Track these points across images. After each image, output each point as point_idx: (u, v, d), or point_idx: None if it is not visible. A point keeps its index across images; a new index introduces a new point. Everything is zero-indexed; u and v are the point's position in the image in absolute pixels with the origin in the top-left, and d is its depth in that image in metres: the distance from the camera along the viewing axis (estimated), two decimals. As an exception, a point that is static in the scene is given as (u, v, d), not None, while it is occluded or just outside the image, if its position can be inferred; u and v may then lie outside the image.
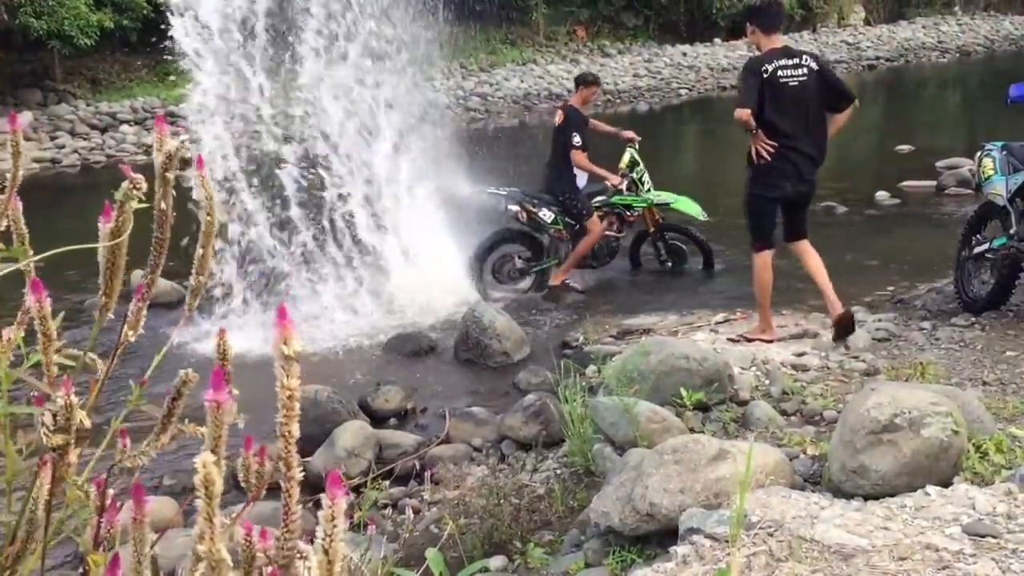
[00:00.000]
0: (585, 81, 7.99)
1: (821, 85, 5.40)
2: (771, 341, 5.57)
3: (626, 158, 7.90)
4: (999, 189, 5.77)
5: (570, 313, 7.33)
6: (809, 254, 5.64)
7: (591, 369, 5.29)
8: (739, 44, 26.28)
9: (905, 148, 13.66)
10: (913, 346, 5.35)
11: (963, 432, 3.25)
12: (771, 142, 5.36)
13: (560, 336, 6.72)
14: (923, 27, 32.92)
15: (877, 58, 28.23)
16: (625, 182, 7.83)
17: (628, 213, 7.98)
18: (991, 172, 5.87)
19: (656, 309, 6.95)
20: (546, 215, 7.82)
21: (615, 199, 7.92)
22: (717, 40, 28.22)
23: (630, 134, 8.04)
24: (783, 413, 4.23)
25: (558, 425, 4.51)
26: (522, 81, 23.66)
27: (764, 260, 5.59)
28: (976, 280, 6.22)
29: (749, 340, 5.61)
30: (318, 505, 0.70)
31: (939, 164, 11.62)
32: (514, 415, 4.90)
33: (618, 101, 23.00)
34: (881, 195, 10.58)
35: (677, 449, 3.28)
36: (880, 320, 5.82)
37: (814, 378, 4.76)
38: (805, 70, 5.37)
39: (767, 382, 4.68)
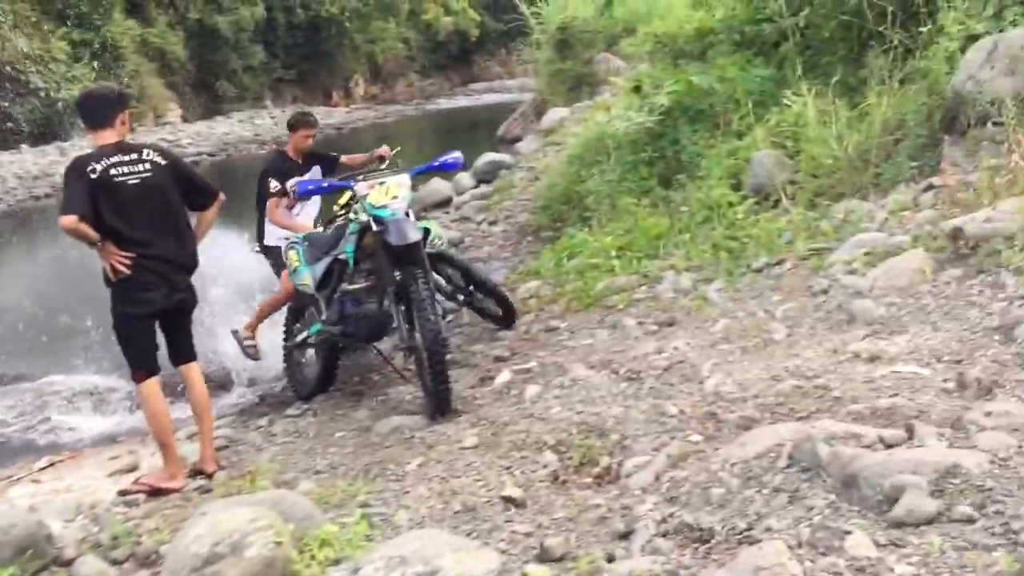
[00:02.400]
0: (291, 125, 7.25)
1: (173, 181, 4.85)
2: (181, 488, 4.76)
3: (344, 197, 6.31)
4: (307, 279, 6.11)
5: None
6: (195, 383, 5.04)
7: None
8: (49, 149, 24.87)
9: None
10: (252, 448, 5.35)
11: (287, 540, 3.24)
12: (126, 253, 4.67)
13: None
14: (239, 121, 34.73)
15: (199, 153, 28.87)
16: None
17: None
18: (297, 263, 6.19)
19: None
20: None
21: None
22: (24, 146, 26.20)
23: (383, 151, 7.04)
24: (114, 562, 3.83)
25: None
26: None
27: (151, 390, 4.83)
28: (303, 367, 6.53)
29: (154, 492, 4.72)
30: None
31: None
32: None
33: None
34: (217, 292, 10.63)
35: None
36: (219, 427, 5.71)
37: (149, 511, 4.44)
38: (148, 165, 4.76)
39: (96, 530, 4.23)
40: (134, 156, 4.75)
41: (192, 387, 5.03)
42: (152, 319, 4.89)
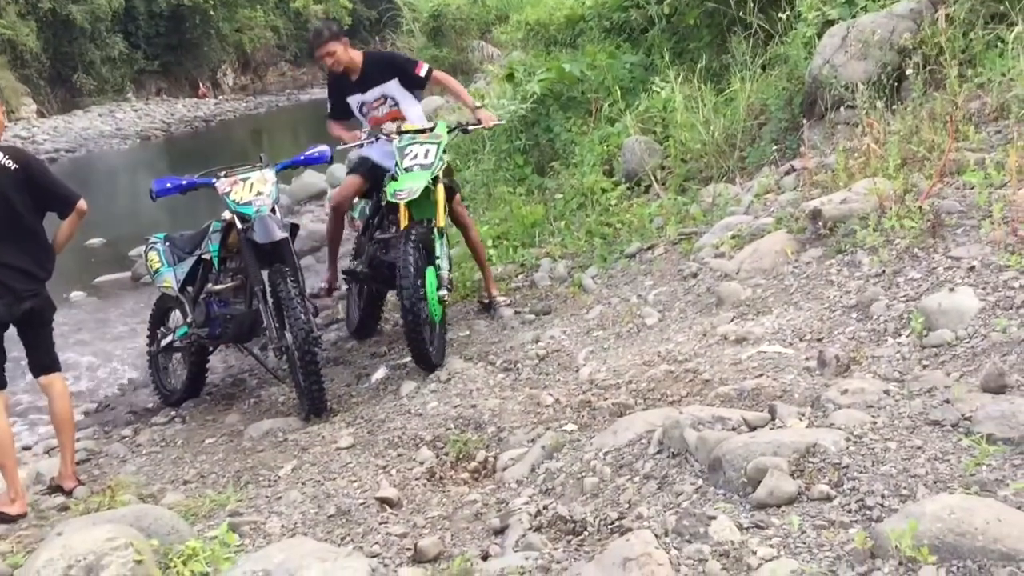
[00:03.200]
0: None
1: (22, 187, 4.52)
2: (21, 515, 4.35)
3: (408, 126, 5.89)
4: (169, 280, 5.86)
5: None
6: (55, 396, 4.71)
7: None
8: None
9: (97, 241, 13.42)
10: (115, 460, 5.10)
11: (148, 558, 3.08)
12: None
13: None
14: (99, 115, 33.29)
15: (56, 150, 27.50)
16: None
17: None
18: (158, 264, 5.94)
19: None
20: None
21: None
22: None
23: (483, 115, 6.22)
24: (-38, 592, 3.58)
25: None
26: None
27: None
28: (170, 372, 6.26)
29: None
30: None
31: (132, 253, 11.64)
32: None
33: None
34: (76, 294, 10.16)
35: None
36: (79, 439, 5.41)
37: (3, 531, 4.15)
38: None
39: (-58, 557, 3.95)
40: None
41: (52, 400, 4.74)
42: None
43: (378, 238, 5.83)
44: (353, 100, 6.13)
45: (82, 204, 4.74)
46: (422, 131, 5.66)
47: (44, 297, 4.73)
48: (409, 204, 5.32)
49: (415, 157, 5.43)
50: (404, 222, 5.32)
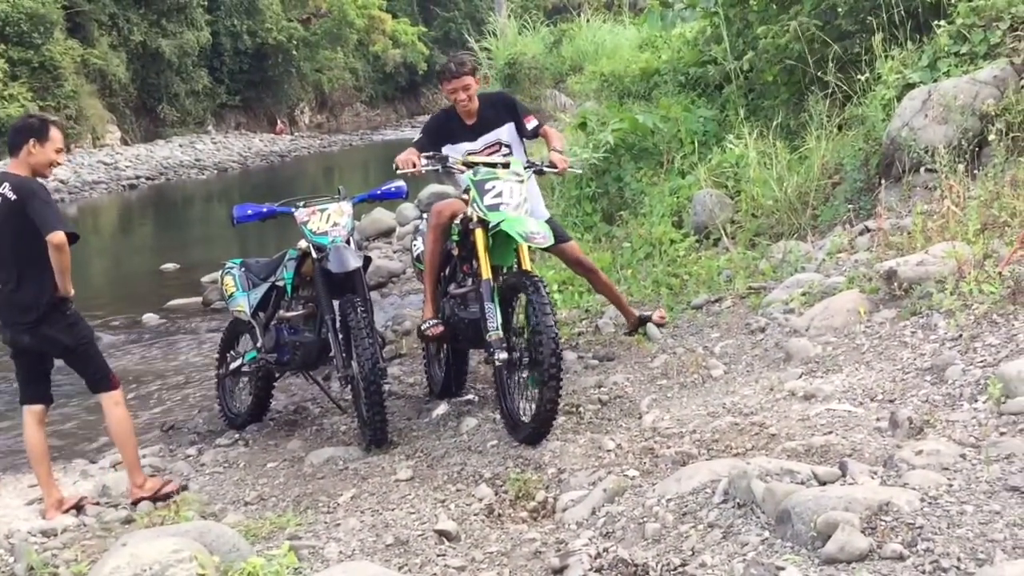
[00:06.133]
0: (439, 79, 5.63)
1: (19, 218, 4.53)
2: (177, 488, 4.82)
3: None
4: (242, 305, 5.99)
5: None
6: (107, 416, 4.90)
7: None
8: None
9: (172, 266, 13.79)
10: (178, 478, 5.18)
11: (211, 572, 3.13)
12: None
13: None
14: (180, 146, 34.33)
15: (137, 177, 28.44)
16: None
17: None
18: (233, 289, 6.07)
19: None
20: None
21: None
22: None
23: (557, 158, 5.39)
24: (28, 595, 3.67)
25: None
26: None
27: (25, 418, 4.83)
28: (236, 395, 6.37)
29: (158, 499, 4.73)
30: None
31: (204, 279, 11.92)
32: None
33: None
34: (148, 316, 10.42)
35: None
36: (144, 455, 5.52)
37: (68, 540, 4.27)
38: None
39: (12, 560, 4.05)
40: None
41: (105, 417, 4.93)
42: (15, 352, 4.84)
43: (454, 293, 5.29)
44: (455, 150, 5.31)
45: (53, 237, 4.46)
46: (494, 165, 5.05)
47: (41, 335, 4.70)
48: (491, 250, 4.82)
49: (499, 195, 4.78)
50: (486, 271, 4.76)
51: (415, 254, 5.67)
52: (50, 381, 4.95)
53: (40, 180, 4.73)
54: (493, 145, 5.39)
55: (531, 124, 5.41)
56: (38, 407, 4.85)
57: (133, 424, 5.10)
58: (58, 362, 4.99)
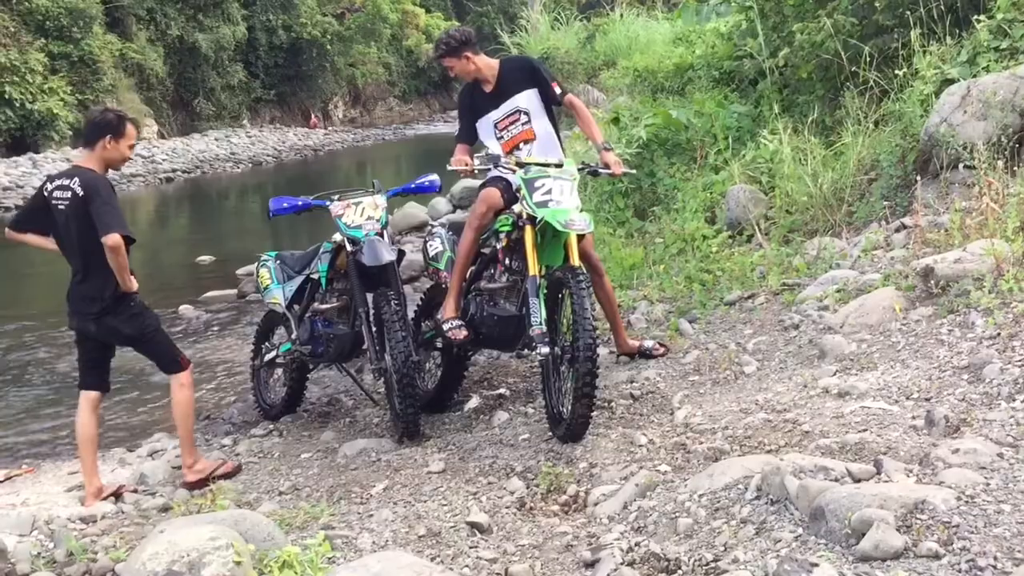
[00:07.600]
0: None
1: (84, 214, 4.68)
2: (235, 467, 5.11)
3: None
4: (277, 297, 6.05)
5: None
6: (172, 397, 5.07)
7: None
8: (21, 160, 24.69)
9: (207, 259, 13.95)
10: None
11: (247, 560, 3.18)
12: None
13: None
14: (216, 139, 34.64)
15: (174, 170, 28.74)
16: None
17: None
18: (268, 281, 6.14)
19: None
20: None
21: None
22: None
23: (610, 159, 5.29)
24: (57, 579, 3.74)
25: None
26: None
27: (80, 402, 4.98)
28: (271, 386, 6.45)
29: (216, 478, 4.93)
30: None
31: (239, 271, 12.05)
32: None
33: None
34: (184, 308, 10.55)
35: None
36: (176, 447, 5.60)
37: (107, 527, 4.35)
38: (69, 193, 4.72)
39: (52, 546, 4.14)
40: (66, 182, 4.78)
41: (171, 398, 5.11)
42: (80, 338, 4.99)
43: (486, 288, 5.23)
44: (484, 124, 5.32)
45: (108, 239, 4.58)
46: (547, 165, 4.94)
47: (105, 325, 4.86)
48: (540, 249, 4.76)
49: (548, 192, 4.72)
50: (533, 268, 4.69)
51: (431, 254, 5.59)
52: (109, 370, 5.10)
53: (107, 177, 4.87)
54: (514, 113, 5.28)
55: (557, 89, 5.26)
56: (94, 394, 4.99)
57: (194, 406, 5.26)
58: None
